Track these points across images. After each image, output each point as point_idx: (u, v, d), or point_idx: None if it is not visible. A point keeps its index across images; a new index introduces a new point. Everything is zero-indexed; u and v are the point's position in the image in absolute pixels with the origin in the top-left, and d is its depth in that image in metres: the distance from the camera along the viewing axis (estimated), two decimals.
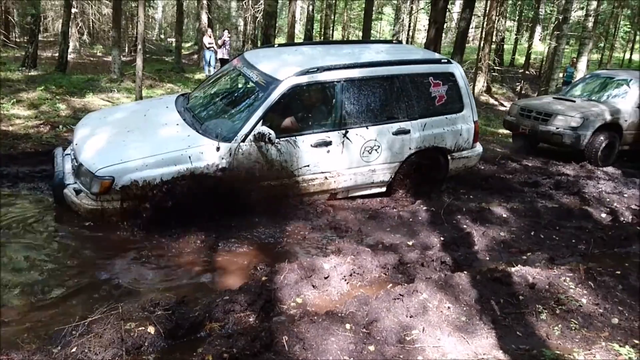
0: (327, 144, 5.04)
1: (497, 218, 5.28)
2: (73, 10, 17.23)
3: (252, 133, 4.66)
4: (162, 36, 35.50)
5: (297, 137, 4.92)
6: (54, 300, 3.39)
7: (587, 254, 4.58)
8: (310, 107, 5.19)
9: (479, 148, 6.15)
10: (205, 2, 19.79)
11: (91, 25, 22.65)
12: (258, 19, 19.43)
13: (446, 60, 5.82)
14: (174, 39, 22.79)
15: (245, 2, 20.51)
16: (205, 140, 4.61)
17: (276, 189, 4.93)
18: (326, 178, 5.17)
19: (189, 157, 4.46)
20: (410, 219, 5.11)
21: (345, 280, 3.78)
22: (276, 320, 3.16)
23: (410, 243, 4.61)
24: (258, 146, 4.71)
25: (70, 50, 17.19)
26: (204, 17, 19.71)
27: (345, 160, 5.18)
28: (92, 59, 21.34)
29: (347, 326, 3.04)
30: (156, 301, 3.15)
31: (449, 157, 5.83)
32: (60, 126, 7.71)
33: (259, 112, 4.73)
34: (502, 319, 3.30)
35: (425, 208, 5.31)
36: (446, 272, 4.00)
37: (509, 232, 4.99)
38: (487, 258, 4.44)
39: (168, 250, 4.18)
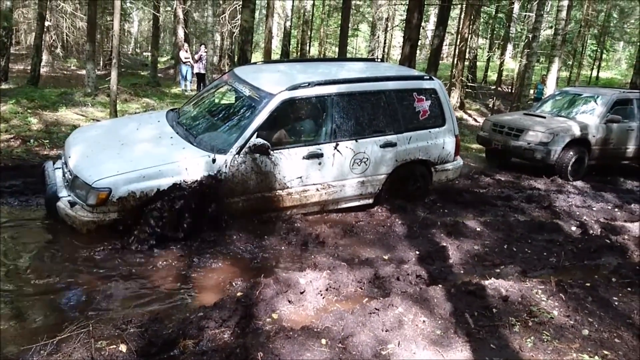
0: (319, 156, 5.16)
1: (471, 232, 5.36)
2: (46, 23, 17.01)
3: (247, 145, 4.75)
4: (138, 50, 35.29)
5: (290, 149, 5.03)
6: (21, 317, 3.29)
7: (558, 267, 4.67)
8: (302, 120, 5.32)
9: (459, 161, 6.38)
10: (181, 16, 19.76)
11: (65, 38, 22.36)
12: (235, 34, 19.49)
13: (428, 77, 6.10)
14: (149, 53, 22.69)
15: (221, 17, 20.57)
16: (200, 153, 4.68)
17: (269, 201, 5.03)
18: (317, 190, 5.27)
19: (185, 169, 4.51)
20: (386, 233, 5.15)
21: (321, 295, 3.77)
22: (251, 336, 3.13)
23: (386, 257, 4.63)
24: (253, 158, 4.80)
25: (43, 63, 16.96)
26: (181, 32, 19.67)
27: (335, 172, 5.31)
28: (65, 72, 21.06)
29: (323, 341, 3.03)
30: (128, 318, 3.09)
31: (433, 170, 6.03)
32: (32, 140, 7.56)
33: (254, 125, 4.83)
34: (477, 332, 3.33)
35: (400, 222, 5.35)
36: (421, 285, 4.03)
37: (482, 245, 5.06)
38: (462, 271, 4.50)
39: (142, 265, 4.11)
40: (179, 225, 4.46)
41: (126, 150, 4.73)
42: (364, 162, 5.44)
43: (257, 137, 4.79)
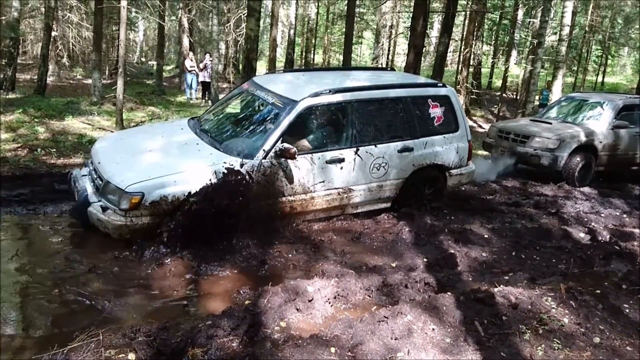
0: (341, 160, 5.29)
1: (479, 238, 5.33)
2: (53, 33, 17.15)
3: (274, 149, 4.87)
4: (143, 59, 35.50)
5: (314, 153, 5.16)
6: (31, 326, 3.30)
7: (567, 274, 4.64)
8: (324, 126, 5.48)
9: (472, 166, 6.52)
10: (186, 25, 19.88)
11: (71, 48, 22.53)
12: (239, 42, 19.59)
13: (442, 84, 6.31)
14: (155, 62, 22.82)
15: (226, 26, 20.68)
16: (228, 158, 4.80)
17: (294, 205, 5.13)
18: (339, 194, 5.40)
19: (214, 173, 4.62)
20: (393, 241, 5.13)
21: (330, 303, 3.76)
22: (260, 345, 3.11)
23: (393, 264, 4.62)
24: (279, 162, 4.92)
25: (49, 73, 17.08)
26: (186, 41, 19.78)
27: (356, 176, 5.45)
28: (71, 81, 21.21)
29: (332, 350, 3.02)
30: (137, 327, 3.09)
31: (447, 174, 6.16)
32: (39, 149, 7.60)
33: (279, 131, 4.96)
34: (487, 340, 3.30)
35: (408, 229, 5.33)
36: (430, 293, 4.01)
37: (490, 252, 5.04)
38: (470, 279, 4.47)
39: (151, 274, 4.12)
40: (209, 228, 4.55)
41: (155, 157, 4.87)
42: (383, 167, 5.56)
43: (282, 142, 4.90)
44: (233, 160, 4.77)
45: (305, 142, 5.22)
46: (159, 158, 4.83)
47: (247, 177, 4.76)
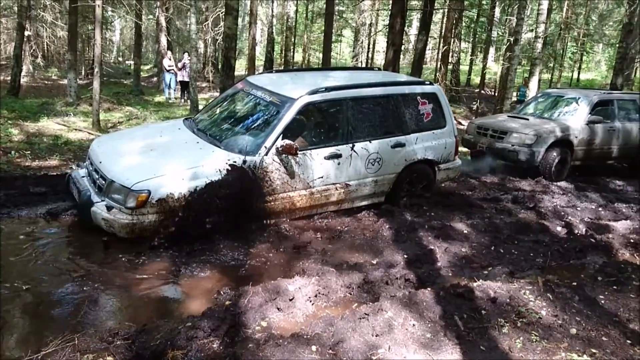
0: (338, 156, 5.45)
1: (459, 234, 5.38)
2: (26, 32, 16.81)
3: (275, 146, 4.99)
4: (121, 59, 35.04)
5: (312, 150, 5.30)
6: (4, 332, 3.21)
7: (544, 267, 4.71)
8: (321, 123, 5.60)
9: (458, 161, 6.76)
10: (164, 24, 19.66)
11: (46, 47, 22.12)
12: (218, 41, 19.43)
13: (429, 83, 6.54)
14: (132, 62, 22.53)
15: (204, 25, 20.50)
16: (230, 155, 4.89)
17: (294, 201, 5.25)
18: (336, 189, 5.56)
19: (218, 170, 4.71)
20: (374, 238, 5.14)
21: (311, 301, 3.75)
22: (241, 345, 3.09)
23: (374, 262, 4.63)
24: (280, 159, 5.04)
25: (23, 73, 16.73)
26: (163, 40, 19.56)
27: (352, 171, 5.61)
28: (46, 82, 20.80)
29: (313, 348, 3.01)
30: (115, 330, 3.05)
31: (437, 169, 6.36)
32: (13, 152, 7.44)
33: (279, 128, 5.08)
34: (466, 334, 3.33)
35: (388, 226, 5.36)
36: (410, 289, 4.02)
37: (470, 247, 5.08)
38: (450, 274, 4.50)
39: (128, 276, 4.06)
40: (216, 223, 4.64)
41: (157, 155, 4.94)
42: (377, 162, 5.72)
43: (282, 139, 4.99)
44: (235, 157, 4.86)
45: (303, 139, 5.31)
46: (162, 156, 4.90)
47: (250, 173, 4.84)
